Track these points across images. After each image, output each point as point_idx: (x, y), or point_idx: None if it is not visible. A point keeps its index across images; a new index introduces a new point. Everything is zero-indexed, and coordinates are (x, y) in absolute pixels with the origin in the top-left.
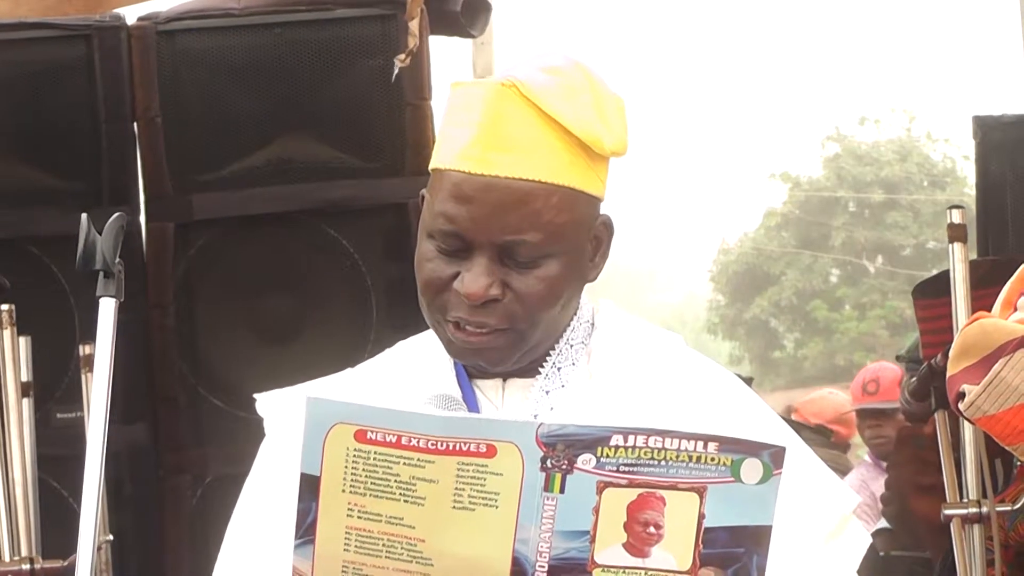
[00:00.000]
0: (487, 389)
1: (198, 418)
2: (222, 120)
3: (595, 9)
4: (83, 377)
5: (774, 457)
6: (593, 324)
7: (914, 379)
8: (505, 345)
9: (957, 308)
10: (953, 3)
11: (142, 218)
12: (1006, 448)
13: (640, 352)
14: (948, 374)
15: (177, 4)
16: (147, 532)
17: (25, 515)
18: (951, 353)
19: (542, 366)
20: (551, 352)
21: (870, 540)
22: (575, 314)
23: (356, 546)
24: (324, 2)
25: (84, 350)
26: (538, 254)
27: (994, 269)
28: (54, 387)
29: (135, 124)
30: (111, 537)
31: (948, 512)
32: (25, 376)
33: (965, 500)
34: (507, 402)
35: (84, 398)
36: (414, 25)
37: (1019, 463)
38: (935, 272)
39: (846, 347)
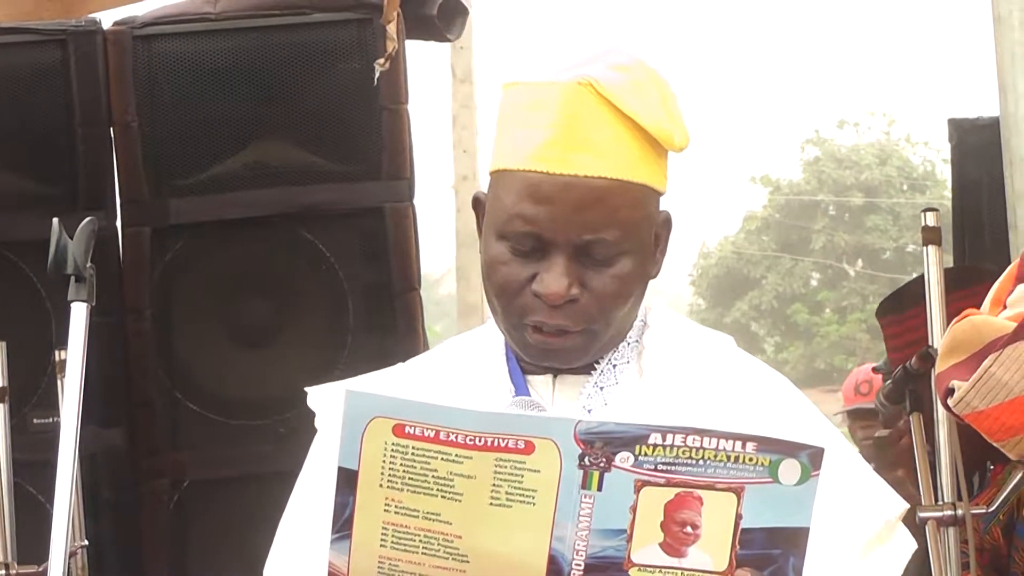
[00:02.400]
0: (538, 385)
1: (175, 422)
2: (199, 124)
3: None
4: (59, 382)
5: (812, 458)
6: (646, 323)
7: (889, 382)
8: (581, 345)
9: (932, 311)
10: (931, 7)
11: (119, 223)
12: (994, 444)
13: (691, 351)
14: (937, 370)
15: (154, 8)
16: (124, 537)
17: (0, 521)
18: (940, 350)
19: (596, 363)
20: (611, 349)
21: (915, 547)
22: (639, 310)
23: (393, 542)
24: (300, 6)
25: (59, 355)
26: (614, 252)
27: (960, 274)
28: (30, 392)
29: (111, 128)
30: (87, 542)
31: (923, 515)
32: (1, 381)
33: (940, 503)
34: (557, 399)
35: (61, 403)
36: (392, 28)
37: (992, 468)
38: (914, 275)
39: (826, 350)
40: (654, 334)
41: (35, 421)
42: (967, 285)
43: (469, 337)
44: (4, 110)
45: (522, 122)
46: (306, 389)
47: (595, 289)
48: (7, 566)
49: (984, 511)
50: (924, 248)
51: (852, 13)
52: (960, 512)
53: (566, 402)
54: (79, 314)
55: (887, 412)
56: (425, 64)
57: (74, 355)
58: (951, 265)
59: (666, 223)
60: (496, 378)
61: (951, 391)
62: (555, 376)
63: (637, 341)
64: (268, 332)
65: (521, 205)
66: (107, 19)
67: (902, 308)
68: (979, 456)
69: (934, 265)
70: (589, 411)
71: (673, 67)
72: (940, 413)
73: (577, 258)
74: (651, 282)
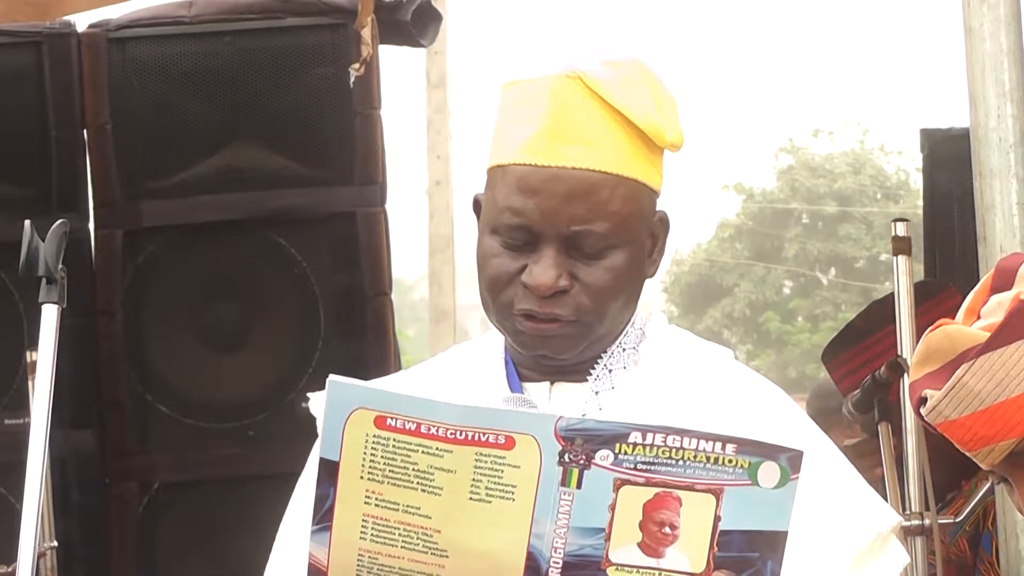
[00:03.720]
0: (535, 392)
1: (145, 424)
2: (172, 128)
3: (549, 20)
4: (30, 383)
5: (792, 461)
6: (644, 333)
7: (858, 392)
8: (573, 335)
9: (901, 322)
10: (906, 16)
11: (91, 225)
12: (966, 454)
13: (689, 362)
14: (910, 380)
15: (128, 11)
16: (93, 538)
17: None
18: (914, 359)
19: (591, 370)
20: (603, 354)
21: (907, 560)
22: (631, 317)
23: (372, 534)
24: (275, 11)
25: (31, 356)
26: (604, 244)
27: (923, 288)
28: (2, 393)
29: (85, 131)
30: (56, 543)
31: None
32: None
33: (908, 512)
34: (554, 406)
35: (31, 404)
36: (366, 34)
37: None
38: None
39: (798, 359)
40: (652, 344)
41: (6, 422)
42: (930, 297)
43: (471, 344)
44: None
45: (514, 118)
46: (308, 395)
47: (586, 281)
48: None
49: (951, 520)
50: (894, 258)
51: (827, 22)
52: (927, 522)
53: (562, 409)
54: (50, 316)
55: (855, 421)
56: (400, 69)
57: (44, 357)
58: (922, 275)
59: (663, 223)
60: (493, 383)
61: (924, 400)
62: (552, 384)
63: (635, 349)
64: (239, 335)
65: (511, 198)
66: (82, 22)
67: (846, 346)
68: (957, 475)
69: (904, 275)
70: (584, 415)
71: None
72: (908, 423)
73: (567, 251)
74: None
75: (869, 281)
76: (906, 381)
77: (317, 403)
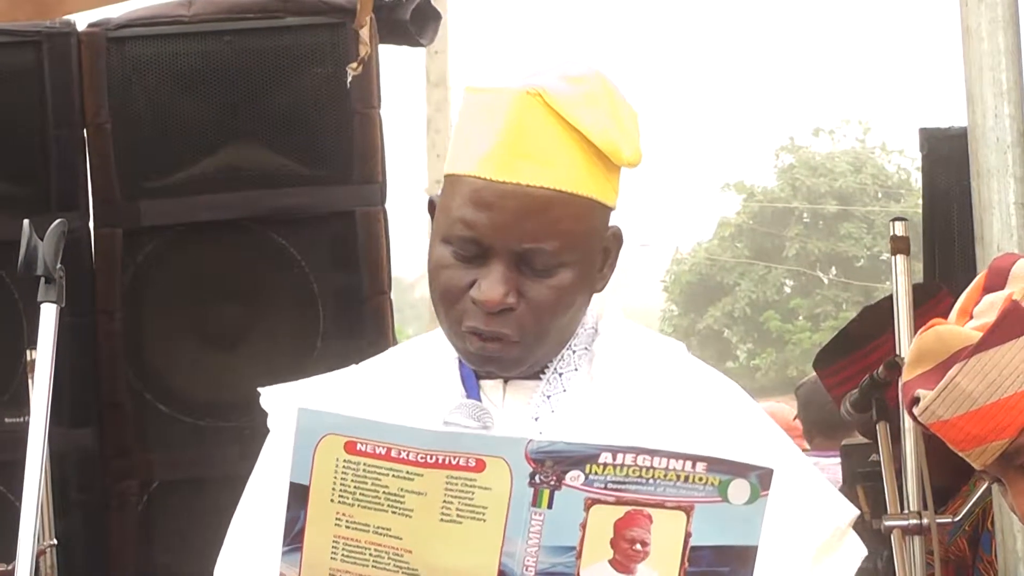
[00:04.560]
0: (489, 390)
1: (144, 423)
2: (171, 127)
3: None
4: (30, 381)
5: (762, 478)
6: (597, 330)
7: (855, 391)
8: (518, 354)
9: (900, 321)
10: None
11: (91, 224)
12: (959, 454)
13: (642, 359)
14: (903, 380)
15: (128, 11)
16: (92, 537)
17: None
18: (907, 359)
19: (544, 370)
20: (553, 358)
21: (864, 553)
22: (579, 323)
23: (343, 555)
24: (274, 10)
25: (31, 355)
26: (554, 262)
27: (917, 290)
28: (2, 392)
29: (84, 130)
30: (55, 542)
31: (888, 523)
32: None
33: (906, 511)
34: (508, 403)
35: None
36: (364, 33)
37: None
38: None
39: (799, 358)
40: (605, 341)
41: (6, 420)
42: (925, 300)
43: (423, 340)
44: None
45: (473, 128)
46: (259, 389)
47: (532, 299)
48: None
49: (950, 520)
50: (893, 257)
51: (828, 21)
52: (925, 521)
53: (516, 408)
54: (48, 315)
55: (852, 421)
56: (400, 68)
57: (43, 355)
58: (920, 274)
59: (616, 238)
60: (447, 382)
61: (916, 400)
62: (506, 382)
63: (586, 349)
64: (238, 335)
65: (464, 210)
66: (81, 21)
67: (837, 357)
68: (959, 479)
69: (902, 275)
70: (536, 419)
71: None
72: (907, 422)
73: (516, 266)
74: (623, 287)
75: (870, 280)
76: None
77: (268, 398)
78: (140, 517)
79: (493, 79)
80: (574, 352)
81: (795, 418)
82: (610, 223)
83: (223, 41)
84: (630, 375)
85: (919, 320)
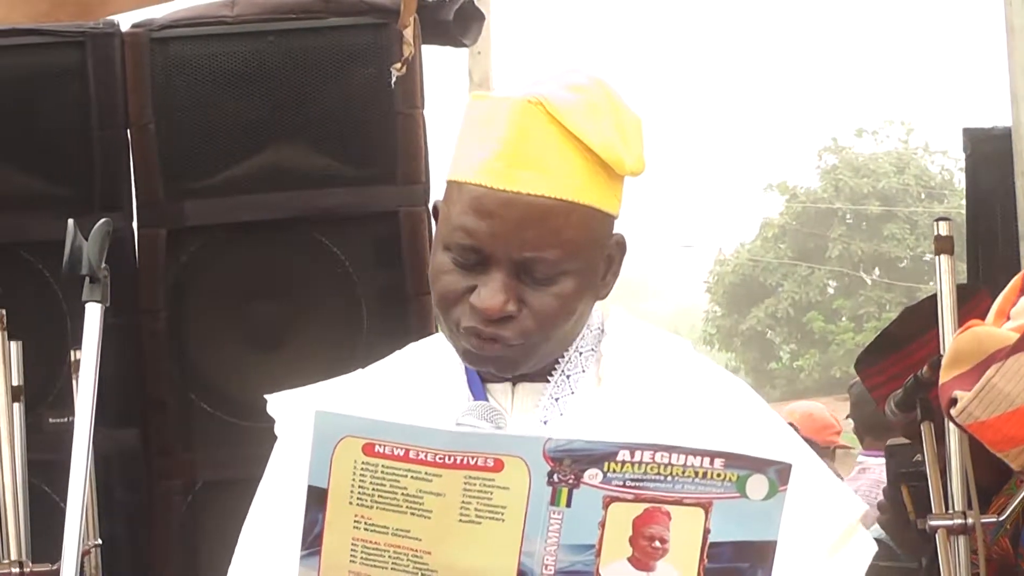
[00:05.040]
0: (497, 393)
1: (188, 423)
2: (215, 127)
3: (592, 20)
4: (74, 382)
5: (780, 474)
6: (603, 330)
7: (900, 391)
8: (517, 356)
9: (944, 321)
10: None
11: (134, 224)
12: (996, 455)
13: (649, 358)
14: (941, 381)
15: (171, 11)
16: (137, 537)
17: (15, 519)
18: (944, 361)
19: (552, 372)
20: (560, 360)
21: (875, 548)
22: (584, 325)
23: (362, 558)
24: (317, 10)
25: (75, 355)
26: (555, 271)
27: (958, 292)
28: (46, 392)
29: (128, 130)
30: (100, 542)
31: (933, 523)
32: (16, 380)
33: (950, 511)
34: (516, 406)
35: (75, 403)
36: (408, 33)
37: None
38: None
39: (842, 359)
40: (612, 341)
41: (50, 420)
42: (964, 302)
43: (429, 344)
44: (22, 111)
45: (476, 135)
46: (266, 396)
47: (534, 307)
48: (21, 564)
49: (994, 519)
50: (937, 257)
51: (871, 21)
52: (970, 521)
53: (524, 411)
54: (93, 315)
55: (896, 421)
56: (443, 69)
57: (88, 355)
58: (964, 274)
59: (619, 246)
60: (454, 385)
61: (954, 401)
62: (514, 385)
63: (593, 350)
64: (281, 334)
65: (464, 218)
66: (125, 21)
67: (882, 355)
68: (1002, 478)
69: (946, 274)
70: (545, 422)
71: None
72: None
73: (517, 275)
74: (666, 288)
75: (913, 281)
76: None
77: (275, 405)
78: (183, 517)
79: (495, 89)
80: (581, 354)
81: (847, 416)
82: (614, 231)
83: (266, 41)
84: (638, 375)
85: (959, 321)
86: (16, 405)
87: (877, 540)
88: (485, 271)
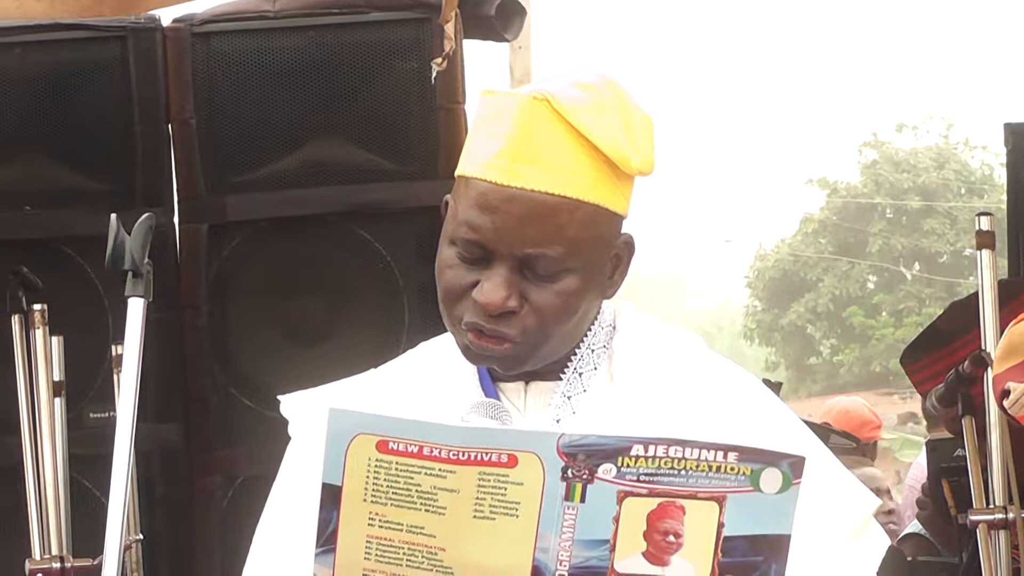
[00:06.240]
0: (509, 392)
1: (229, 419)
2: (256, 122)
3: (633, 16)
4: (115, 377)
5: (794, 467)
6: (615, 327)
7: (941, 386)
8: (519, 355)
9: (985, 316)
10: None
11: (176, 219)
12: None
13: (661, 354)
14: (994, 372)
15: (212, 6)
16: (178, 532)
17: (56, 514)
18: (997, 353)
19: (564, 370)
20: (572, 357)
21: (888, 542)
22: (595, 321)
23: (377, 555)
24: (358, 5)
25: (116, 350)
26: (558, 268)
27: (1004, 287)
28: (87, 387)
29: (169, 125)
30: (141, 536)
31: (974, 518)
32: (57, 376)
33: (991, 506)
34: (529, 405)
35: (117, 398)
36: (449, 28)
37: None
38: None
39: (882, 353)
40: (624, 338)
41: (91, 416)
42: (1013, 297)
43: (440, 342)
44: (64, 106)
45: (483, 131)
46: (279, 397)
47: (536, 304)
48: (62, 559)
49: None
50: (978, 252)
51: (912, 16)
52: (1011, 515)
53: (537, 409)
54: (136, 310)
55: (938, 415)
56: (484, 64)
57: (130, 350)
58: (1005, 269)
59: (627, 246)
60: (466, 384)
61: (1007, 393)
62: (527, 384)
63: (605, 347)
64: (323, 330)
65: (469, 213)
66: (166, 16)
67: (928, 350)
68: None
69: (987, 269)
70: (558, 420)
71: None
72: (992, 417)
73: (520, 271)
74: (707, 284)
75: (953, 276)
76: (989, 375)
77: (288, 405)
78: (224, 512)
79: (504, 87)
80: (593, 351)
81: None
82: (622, 230)
83: (307, 36)
84: (650, 372)
85: (1004, 318)
86: (57, 400)
87: (917, 535)
88: (488, 266)
